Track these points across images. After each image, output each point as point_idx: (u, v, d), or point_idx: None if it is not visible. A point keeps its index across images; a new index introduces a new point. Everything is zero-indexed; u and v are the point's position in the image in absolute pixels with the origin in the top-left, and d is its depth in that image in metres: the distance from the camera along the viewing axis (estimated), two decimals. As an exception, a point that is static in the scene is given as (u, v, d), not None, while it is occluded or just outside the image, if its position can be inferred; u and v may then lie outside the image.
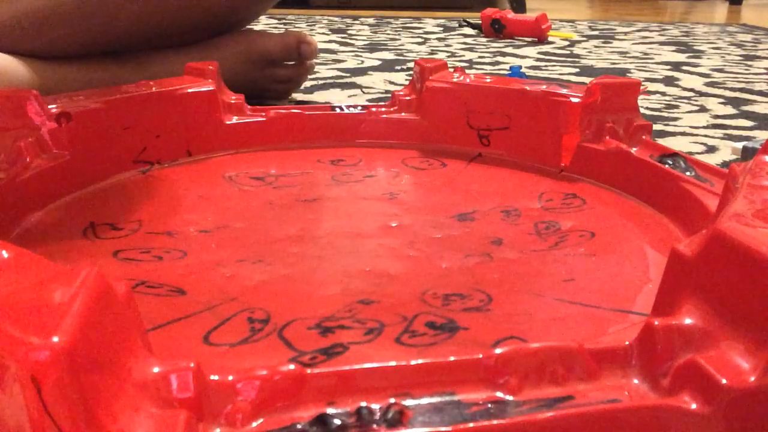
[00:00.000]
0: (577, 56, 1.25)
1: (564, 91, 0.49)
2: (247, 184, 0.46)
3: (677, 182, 0.40)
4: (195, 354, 0.26)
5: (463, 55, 1.23)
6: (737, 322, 0.19)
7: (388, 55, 1.20)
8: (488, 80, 0.54)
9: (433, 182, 0.47)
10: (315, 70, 0.82)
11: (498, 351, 0.19)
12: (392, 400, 0.18)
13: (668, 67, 1.13)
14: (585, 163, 0.47)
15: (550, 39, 1.47)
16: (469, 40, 1.48)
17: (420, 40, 1.48)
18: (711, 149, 0.63)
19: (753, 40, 1.59)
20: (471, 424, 0.17)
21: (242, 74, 0.74)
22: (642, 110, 0.76)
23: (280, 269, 0.33)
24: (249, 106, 0.55)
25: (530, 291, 0.32)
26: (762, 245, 0.19)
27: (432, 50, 1.30)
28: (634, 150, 0.44)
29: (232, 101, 0.54)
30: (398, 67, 1.06)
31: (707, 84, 0.97)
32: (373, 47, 1.31)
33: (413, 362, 0.19)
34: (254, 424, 0.17)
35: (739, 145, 0.59)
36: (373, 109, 0.57)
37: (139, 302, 0.19)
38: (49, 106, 0.43)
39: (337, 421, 0.17)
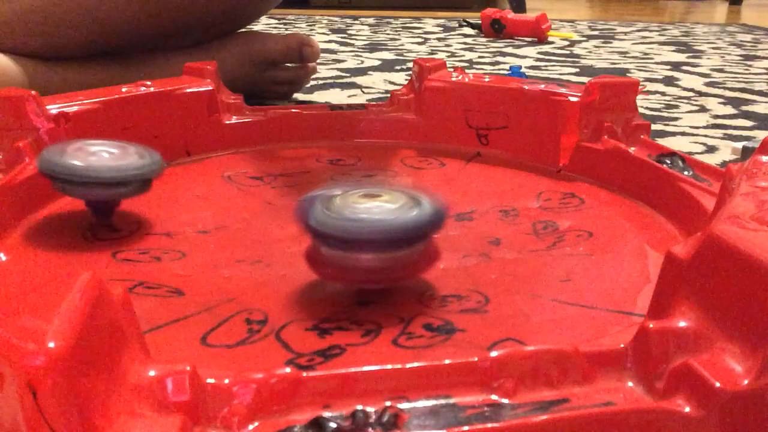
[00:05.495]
0: (577, 56, 1.25)
1: (562, 90, 0.49)
2: (245, 184, 0.46)
3: (675, 182, 0.40)
4: (193, 355, 0.26)
5: (463, 55, 1.23)
6: (731, 325, 0.19)
7: (388, 55, 1.20)
8: (487, 79, 0.54)
9: (432, 182, 0.47)
10: (316, 71, 0.82)
11: (493, 354, 0.19)
12: (388, 404, 0.18)
13: (668, 67, 1.13)
14: (583, 162, 0.47)
15: (550, 39, 1.47)
16: (469, 40, 1.48)
17: (420, 40, 1.48)
18: (711, 149, 0.63)
19: (753, 40, 1.59)
20: (466, 428, 0.17)
21: (243, 75, 0.74)
22: (642, 110, 0.76)
23: (278, 270, 0.34)
24: (248, 106, 0.55)
25: (528, 292, 0.32)
26: (756, 249, 0.19)
27: (432, 50, 1.30)
28: (632, 149, 0.44)
29: (231, 101, 0.54)
30: (398, 67, 1.06)
31: (707, 84, 0.97)
32: (373, 47, 1.31)
33: (409, 365, 0.19)
34: (250, 427, 0.17)
35: (739, 145, 0.59)
36: (372, 109, 0.57)
37: (138, 303, 0.19)
38: (48, 107, 0.43)
39: (332, 425, 0.17)
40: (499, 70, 1.06)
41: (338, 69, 1.03)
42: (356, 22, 1.85)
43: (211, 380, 0.18)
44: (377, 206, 0.29)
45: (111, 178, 0.35)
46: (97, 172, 0.35)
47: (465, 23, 1.70)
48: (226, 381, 0.18)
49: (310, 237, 0.29)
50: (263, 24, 1.72)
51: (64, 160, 0.35)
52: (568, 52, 1.30)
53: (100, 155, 0.36)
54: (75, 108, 0.44)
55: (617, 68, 1.11)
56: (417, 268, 0.30)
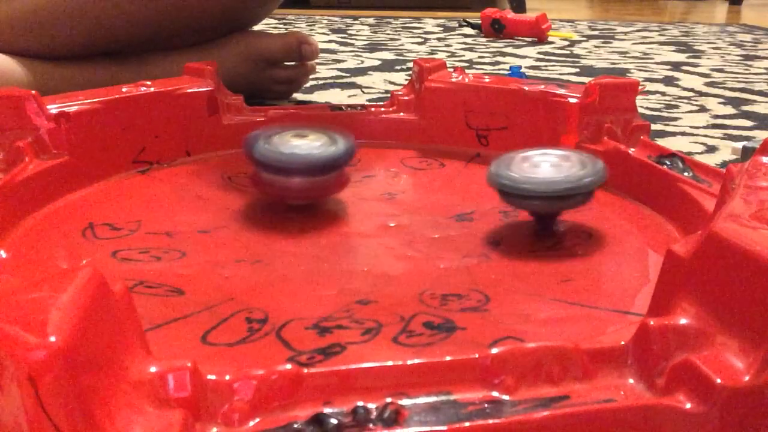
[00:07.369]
0: (577, 56, 1.25)
1: (562, 91, 0.49)
2: (245, 184, 0.46)
3: (675, 183, 0.40)
4: (193, 354, 0.26)
5: (463, 55, 1.23)
6: (732, 321, 0.19)
7: (388, 55, 1.20)
8: (487, 80, 0.54)
9: (432, 182, 0.47)
10: (315, 70, 0.82)
11: (494, 351, 0.19)
12: (388, 400, 0.18)
13: (668, 67, 1.13)
14: (583, 163, 0.47)
15: (550, 39, 1.47)
16: (469, 40, 1.48)
17: (420, 40, 1.48)
18: (711, 149, 0.63)
19: (753, 40, 1.59)
20: (467, 424, 0.17)
21: (243, 75, 0.74)
22: (642, 110, 0.76)
23: (278, 269, 0.34)
24: (248, 106, 0.55)
25: (528, 291, 0.32)
26: (756, 246, 0.19)
27: (432, 50, 1.30)
28: (632, 150, 0.44)
29: (231, 101, 0.55)
30: (398, 67, 1.07)
31: (707, 84, 0.97)
32: (373, 47, 1.31)
33: (409, 362, 0.19)
34: (251, 424, 0.17)
35: (739, 145, 0.59)
36: (372, 109, 0.57)
37: (138, 302, 0.19)
38: (48, 107, 0.43)
39: (333, 421, 0.17)
40: (499, 70, 1.06)
41: (338, 69, 1.03)
42: (356, 22, 1.85)
43: (212, 377, 0.18)
44: (305, 143, 0.39)
45: (552, 192, 0.35)
46: (535, 185, 0.35)
47: (465, 23, 1.70)
48: (227, 377, 0.18)
49: (254, 165, 0.39)
50: (263, 23, 1.72)
51: (509, 173, 0.36)
52: (568, 52, 1.30)
53: (543, 166, 0.36)
54: (75, 108, 0.44)
55: (617, 68, 1.11)
56: (332, 189, 0.41)
